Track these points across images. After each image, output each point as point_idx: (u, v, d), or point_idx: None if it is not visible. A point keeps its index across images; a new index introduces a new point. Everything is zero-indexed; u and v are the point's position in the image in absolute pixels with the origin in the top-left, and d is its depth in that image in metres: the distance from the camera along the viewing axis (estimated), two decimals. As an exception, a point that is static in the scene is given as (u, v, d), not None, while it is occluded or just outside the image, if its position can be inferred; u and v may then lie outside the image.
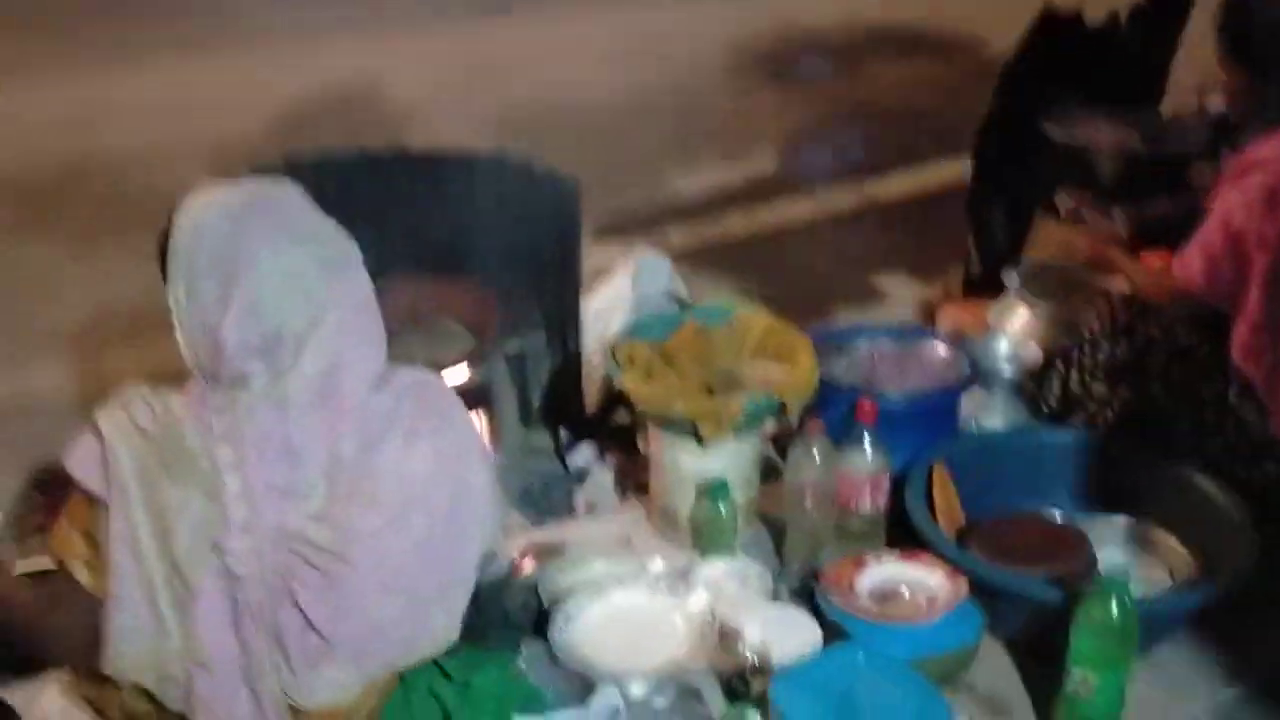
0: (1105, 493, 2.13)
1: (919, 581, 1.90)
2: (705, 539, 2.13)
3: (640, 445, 2.32)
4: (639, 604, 1.93)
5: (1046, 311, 2.50)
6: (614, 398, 2.79)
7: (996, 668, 1.91)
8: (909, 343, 2.35)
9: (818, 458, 2.03)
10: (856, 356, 2.33)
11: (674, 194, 4.35)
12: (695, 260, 3.65)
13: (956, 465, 2.14)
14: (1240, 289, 2.04)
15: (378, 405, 1.56)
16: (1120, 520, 2.08)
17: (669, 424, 2.09)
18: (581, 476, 2.62)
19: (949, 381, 2.19)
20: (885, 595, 1.89)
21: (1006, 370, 2.38)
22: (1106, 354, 2.20)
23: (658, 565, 2.05)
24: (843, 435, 2.06)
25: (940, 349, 2.31)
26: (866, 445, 2.06)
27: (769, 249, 3.94)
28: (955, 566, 1.89)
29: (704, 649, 1.81)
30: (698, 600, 1.88)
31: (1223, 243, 2.03)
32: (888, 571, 1.93)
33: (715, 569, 2.05)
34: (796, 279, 3.67)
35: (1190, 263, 2.09)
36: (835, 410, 2.13)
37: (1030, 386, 2.37)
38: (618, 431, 2.74)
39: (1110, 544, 2.05)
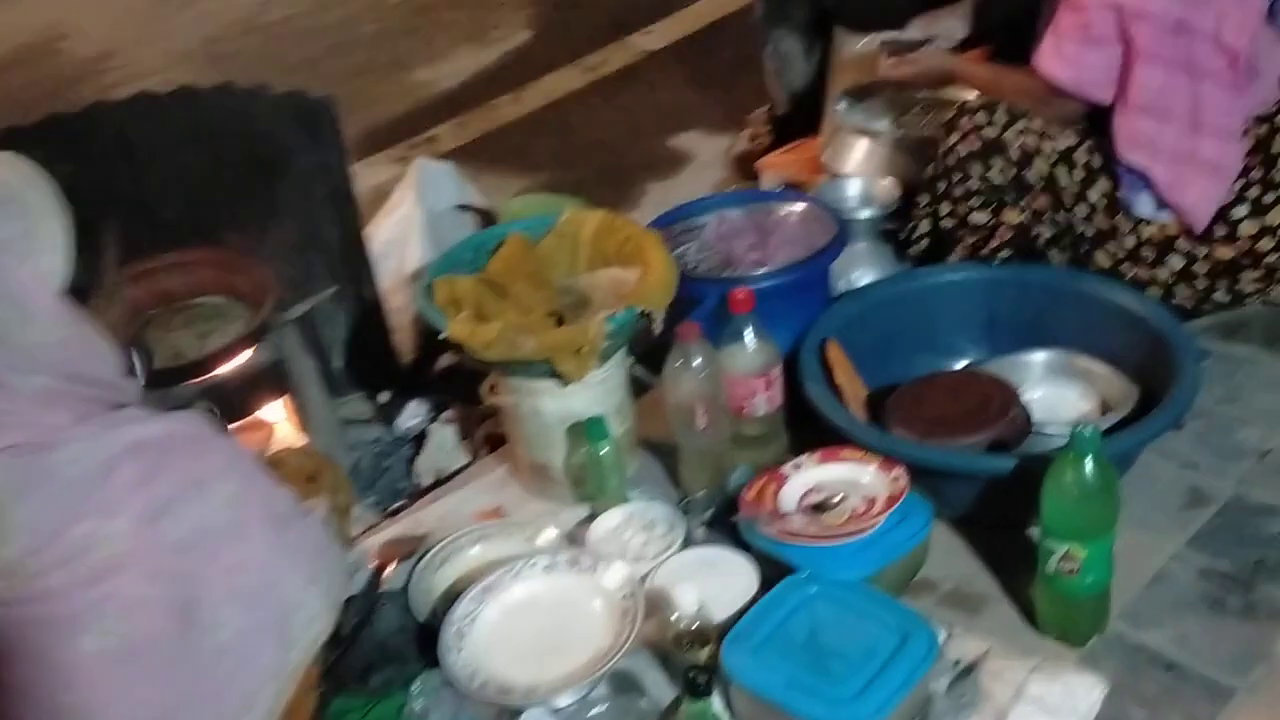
0: (1013, 330, 1.90)
1: (850, 482, 1.63)
2: (590, 489, 1.81)
3: (483, 392, 1.97)
4: (542, 594, 1.60)
5: (890, 140, 2.23)
6: (435, 342, 2.43)
7: (951, 556, 1.68)
8: (759, 208, 2.04)
9: (701, 366, 1.72)
10: (705, 237, 2.02)
11: (428, 92, 3.90)
12: (474, 157, 3.25)
13: (843, 336, 1.87)
14: (1114, 74, 1.81)
15: (70, 470, 1.13)
16: (1037, 357, 1.86)
17: (520, 368, 1.74)
18: (416, 440, 2.26)
19: (817, 243, 1.90)
20: (818, 507, 1.62)
21: (863, 215, 2.11)
22: (978, 176, 1.94)
23: (549, 536, 1.73)
24: (718, 333, 1.76)
25: (796, 208, 2.02)
26: (749, 339, 1.77)
27: (549, 129, 3.56)
28: (885, 455, 1.63)
29: (631, 628, 1.50)
30: (615, 575, 1.57)
31: (1087, 27, 1.78)
32: (811, 478, 1.66)
33: (611, 522, 1.74)
34: (588, 157, 3.32)
35: (1052, 57, 1.84)
36: (703, 307, 1.82)
37: (895, 228, 2.11)
38: (447, 378, 2.38)
39: (1031, 384, 1.83)
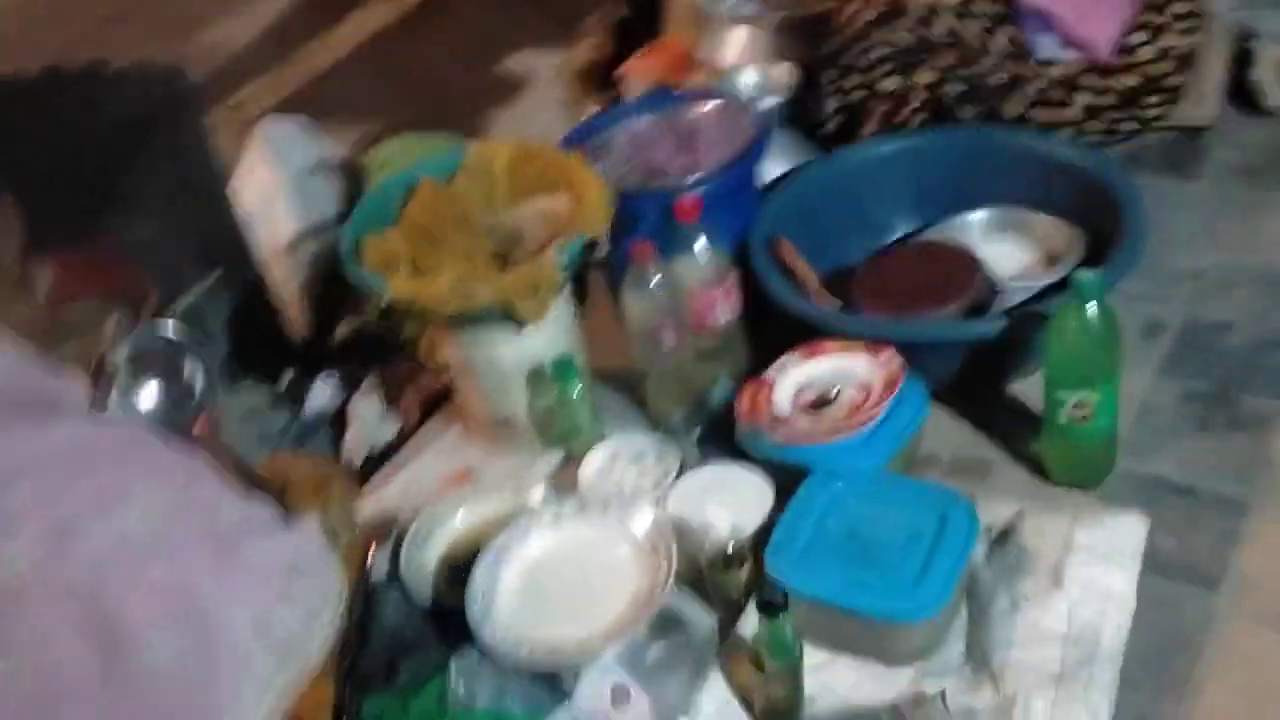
0: (944, 195, 1.89)
1: (841, 373, 1.59)
2: (561, 432, 1.72)
3: (423, 353, 1.85)
4: (559, 547, 1.51)
5: (771, 23, 2.17)
6: (329, 313, 2.27)
7: (943, 429, 1.67)
8: (667, 113, 1.95)
9: (661, 285, 1.64)
10: (617, 153, 1.92)
11: (226, 51, 3.62)
12: (296, 114, 3.04)
13: (780, 229, 1.82)
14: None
15: None
16: (974, 217, 1.85)
17: (471, 320, 1.63)
18: (334, 420, 2.12)
19: (743, 139, 1.83)
20: (816, 405, 1.58)
21: (765, 104, 2.05)
22: (882, 41, 1.90)
23: (538, 490, 1.63)
24: (666, 249, 1.68)
25: (708, 107, 1.93)
26: (700, 249, 1.69)
27: (369, 71, 3.35)
28: (870, 340, 1.60)
29: (669, 563, 1.44)
30: (639, 517, 1.49)
31: None
32: (800, 377, 1.61)
33: (596, 461, 1.66)
34: (419, 94, 3.15)
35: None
36: (644, 224, 1.74)
37: (799, 113, 2.06)
38: (350, 349, 2.24)
39: (972, 246, 1.81)
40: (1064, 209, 1.79)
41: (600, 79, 2.87)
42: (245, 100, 3.33)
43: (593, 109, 2.80)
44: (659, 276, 1.64)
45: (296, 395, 2.18)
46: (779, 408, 1.57)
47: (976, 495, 1.52)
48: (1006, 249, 1.82)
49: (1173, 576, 1.42)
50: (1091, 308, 1.41)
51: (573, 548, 1.50)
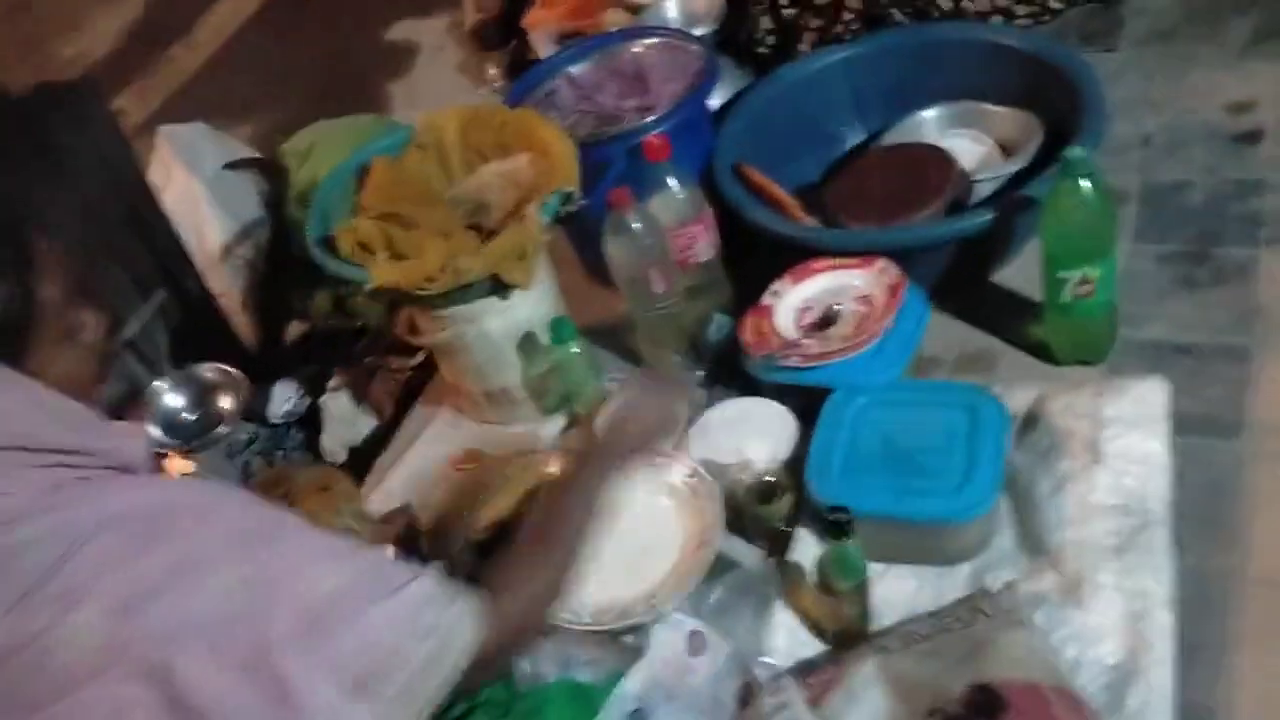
0: (891, 99, 1.89)
1: (838, 289, 1.59)
2: (565, 394, 1.69)
3: (401, 335, 1.79)
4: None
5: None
6: (277, 317, 2.20)
7: (938, 327, 1.67)
8: (605, 56, 1.91)
9: (644, 231, 1.61)
10: (563, 102, 1.87)
11: (85, 64, 3.44)
12: (179, 119, 2.90)
13: (740, 156, 1.80)
14: None
15: (24, 557, 0.89)
16: (927, 115, 1.85)
17: (458, 296, 1.58)
18: (303, 422, 2.06)
19: (692, 72, 1.81)
20: (822, 324, 1.57)
21: (696, 34, 2.02)
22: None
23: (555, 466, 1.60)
24: (639, 192, 1.65)
25: (646, 43, 1.89)
26: (675, 185, 1.67)
27: (244, 64, 3.24)
28: (862, 253, 1.59)
29: (716, 505, 1.42)
30: (677, 467, 1.47)
31: None
32: (797, 299, 1.61)
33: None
34: (307, 79, 3.05)
35: None
36: (612, 170, 1.70)
37: (731, 37, 2.03)
38: (304, 349, 2.17)
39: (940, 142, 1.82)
40: (1014, 96, 1.80)
41: (497, 36, 2.81)
42: (124, 108, 3.20)
43: (492, 70, 2.75)
44: (640, 223, 1.61)
45: (257, 404, 2.11)
46: (785, 332, 1.57)
47: (992, 387, 1.55)
48: (963, 144, 1.83)
49: (1195, 432, 1.45)
50: (1085, 183, 1.42)
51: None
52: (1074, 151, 1.42)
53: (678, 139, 1.68)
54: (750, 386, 1.60)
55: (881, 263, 1.57)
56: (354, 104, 2.71)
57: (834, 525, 1.26)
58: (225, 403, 1.94)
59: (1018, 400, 1.50)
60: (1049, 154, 1.71)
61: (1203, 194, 1.77)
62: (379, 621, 0.92)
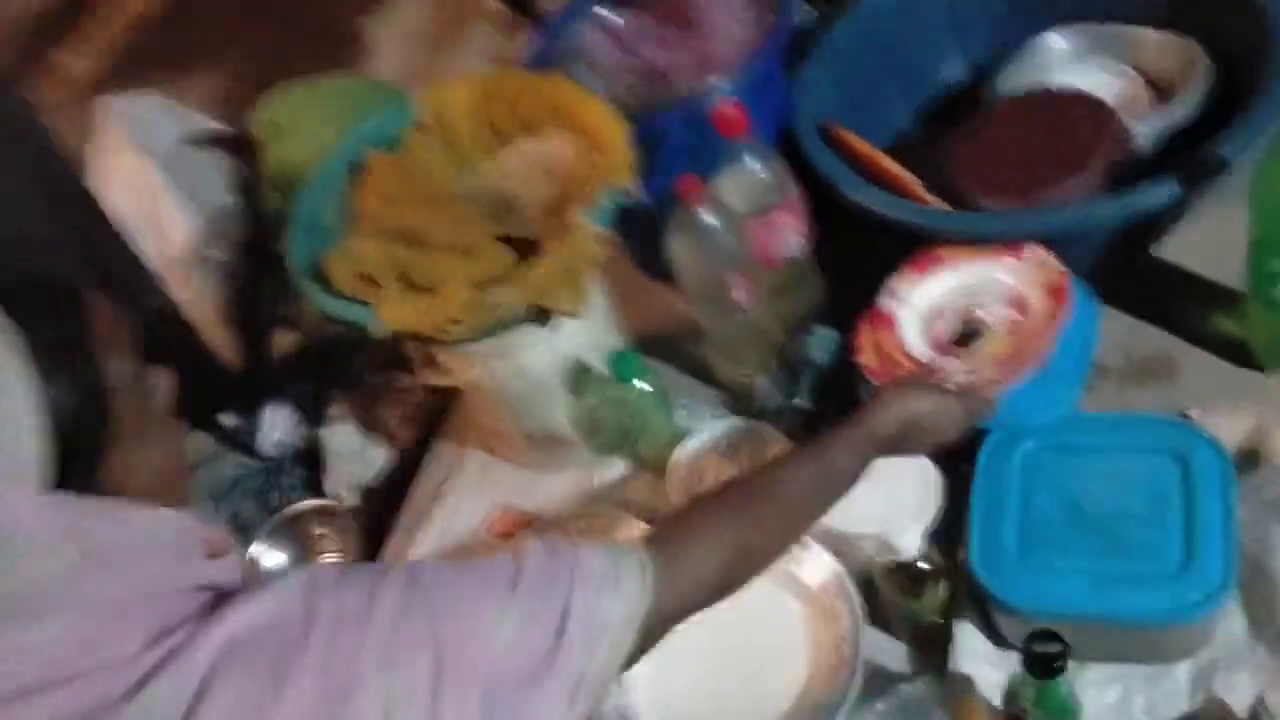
0: (1008, 16, 1.50)
1: (982, 286, 1.23)
2: (628, 431, 1.34)
3: (420, 375, 1.44)
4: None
5: None
6: (261, 327, 1.84)
7: (1106, 327, 1.30)
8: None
9: (721, 227, 1.25)
10: (596, 59, 1.48)
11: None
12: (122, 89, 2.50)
13: (826, 114, 1.43)
14: None
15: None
16: (1054, 42, 1.47)
17: (492, 329, 1.22)
18: (300, 457, 1.73)
19: (758, 10, 1.42)
20: (963, 338, 1.22)
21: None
22: None
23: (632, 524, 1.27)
24: (706, 175, 1.28)
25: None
26: (753, 165, 1.30)
27: (193, 22, 2.81)
28: (1002, 242, 1.23)
29: (849, 618, 1.09)
30: (814, 563, 1.13)
31: None
32: (924, 303, 1.25)
33: (681, 470, 1.29)
34: (259, 29, 2.62)
35: None
36: (668, 149, 1.33)
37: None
38: (295, 367, 1.82)
39: (1059, 79, 1.44)
40: (1170, 16, 1.41)
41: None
42: (64, 62, 2.80)
43: (496, 7, 2.34)
44: (715, 217, 1.25)
45: (244, 436, 1.77)
46: (916, 351, 1.21)
47: (1182, 406, 1.20)
48: (1100, 80, 1.45)
49: None
50: (1322, 148, 1.06)
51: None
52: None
53: (751, 101, 1.30)
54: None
55: (1035, 251, 1.21)
56: (324, 52, 2.32)
57: (1044, 659, 0.92)
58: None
59: (1226, 429, 1.16)
60: (1220, 94, 1.34)
61: None
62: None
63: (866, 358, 1.22)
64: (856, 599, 1.10)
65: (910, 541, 1.05)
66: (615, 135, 1.24)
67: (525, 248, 1.24)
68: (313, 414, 1.73)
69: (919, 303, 1.24)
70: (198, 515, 0.78)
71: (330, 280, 1.20)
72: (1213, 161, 1.19)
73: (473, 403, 1.40)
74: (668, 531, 0.89)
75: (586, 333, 1.31)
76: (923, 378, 1.15)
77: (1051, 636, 0.92)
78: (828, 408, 1.29)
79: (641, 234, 1.40)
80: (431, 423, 1.61)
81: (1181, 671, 1.05)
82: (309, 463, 1.71)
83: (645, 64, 1.43)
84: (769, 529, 0.91)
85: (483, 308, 1.14)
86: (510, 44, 2.13)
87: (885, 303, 1.25)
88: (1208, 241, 1.32)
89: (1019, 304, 1.19)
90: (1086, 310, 1.21)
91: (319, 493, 1.67)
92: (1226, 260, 1.28)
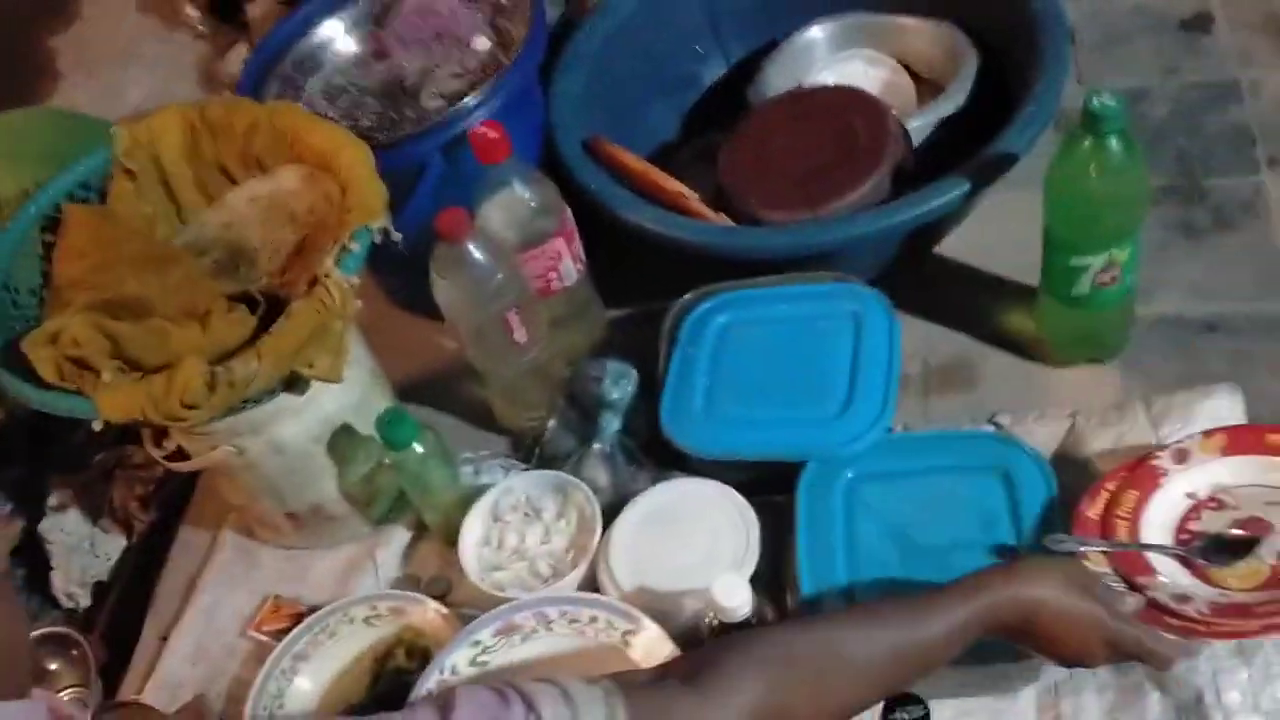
0: (765, 9, 1.43)
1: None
2: (413, 504, 1.20)
3: (150, 455, 1.24)
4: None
5: None
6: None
7: (910, 339, 1.23)
8: (372, 7, 1.35)
9: (491, 264, 1.12)
10: (330, 77, 1.32)
11: None
12: None
13: (595, 124, 1.32)
14: None
15: None
16: (815, 35, 1.41)
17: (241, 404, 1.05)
18: (24, 553, 1.50)
19: (518, 14, 1.28)
20: (1217, 549, 0.97)
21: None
22: None
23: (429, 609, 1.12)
24: (467, 205, 1.15)
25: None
26: (521, 191, 1.17)
27: None
28: (792, 258, 1.16)
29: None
30: (646, 634, 1.00)
31: None
32: (1206, 481, 1.01)
33: (475, 531, 1.16)
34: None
35: None
36: (427, 180, 1.19)
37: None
38: (10, 443, 1.57)
39: (818, 73, 1.39)
40: (931, 5, 1.37)
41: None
42: None
43: (190, 7, 2.12)
44: (484, 254, 1.12)
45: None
46: (1146, 526, 0.98)
47: (989, 412, 1.16)
48: (865, 74, 1.40)
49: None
50: (1115, 143, 1.02)
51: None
52: (1101, 101, 1.00)
53: (510, 120, 1.18)
54: (668, 459, 1.15)
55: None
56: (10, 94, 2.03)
57: (902, 724, 0.84)
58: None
59: (1040, 437, 1.12)
60: (984, 80, 1.31)
61: (1167, 104, 1.41)
62: None
63: (1094, 508, 1.00)
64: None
65: (740, 600, 0.95)
66: (361, 168, 1.09)
67: (268, 307, 1.07)
68: (27, 503, 1.49)
69: (1204, 476, 1.00)
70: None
71: (32, 366, 1.00)
72: (1002, 158, 1.15)
73: (221, 485, 1.22)
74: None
75: (349, 394, 1.15)
76: (1090, 575, 0.89)
77: (913, 700, 0.84)
78: (633, 454, 1.17)
79: (400, 267, 1.26)
80: (175, 503, 1.41)
81: (1026, 699, 1.00)
82: (29, 562, 1.47)
83: (389, 84, 1.28)
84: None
85: (223, 384, 0.96)
86: (220, 63, 1.91)
87: (1166, 460, 1.01)
88: (989, 237, 1.29)
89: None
90: (883, 324, 1.14)
91: (45, 596, 1.44)
92: (1010, 254, 1.25)
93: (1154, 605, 0.89)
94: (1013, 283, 1.26)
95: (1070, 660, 0.85)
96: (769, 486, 1.08)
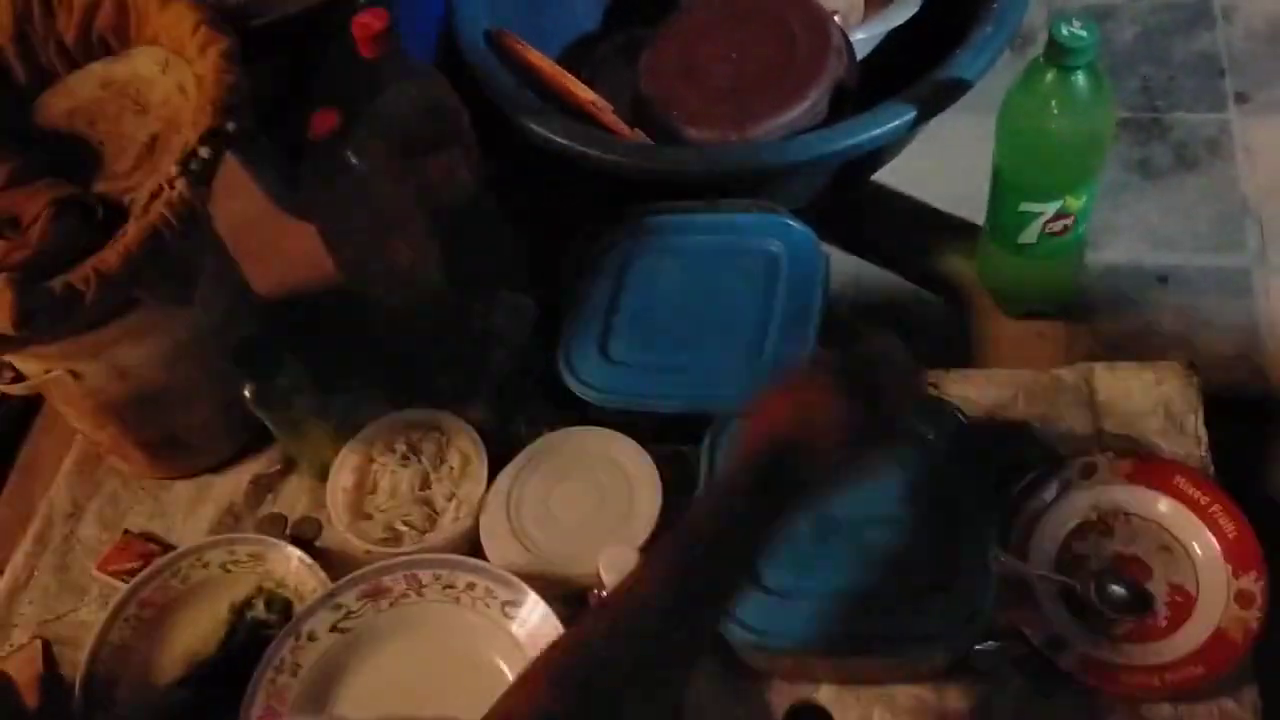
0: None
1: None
2: (280, 439, 1.07)
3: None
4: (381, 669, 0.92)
5: None
6: None
7: (838, 276, 1.12)
8: None
9: (371, 171, 0.98)
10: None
11: None
12: None
13: (500, 14, 1.17)
14: None
15: None
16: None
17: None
18: None
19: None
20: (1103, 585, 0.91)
21: None
22: None
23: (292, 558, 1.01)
24: (349, 106, 1.01)
25: None
26: (409, 90, 1.03)
27: None
28: (722, 180, 1.03)
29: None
30: (529, 608, 0.90)
31: None
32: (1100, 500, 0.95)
33: (345, 478, 1.04)
34: None
35: None
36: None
37: None
38: None
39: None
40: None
41: None
42: None
43: None
44: (362, 158, 0.97)
45: None
46: (1036, 544, 0.93)
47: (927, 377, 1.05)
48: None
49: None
50: (1081, 78, 0.90)
51: (398, 659, 0.91)
52: (1070, 29, 0.88)
53: (403, 8, 1.03)
54: (567, 404, 1.03)
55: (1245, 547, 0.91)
56: None
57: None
58: None
59: (984, 404, 1.01)
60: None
61: (1135, 25, 1.30)
62: None
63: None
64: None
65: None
66: (218, 57, 0.94)
67: (109, 215, 0.93)
68: None
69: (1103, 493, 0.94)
70: None
71: None
72: (953, 84, 1.02)
73: (65, 408, 1.08)
74: None
75: (206, 315, 1.01)
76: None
77: (816, 710, 0.75)
78: (522, 393, 1.06)
79: (281, 163, 1.12)
80: (14, 432, 1.26)
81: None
82: None
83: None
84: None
85: (47, 303, 0.83)
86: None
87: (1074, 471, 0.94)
88: (932, 165, 1.17)
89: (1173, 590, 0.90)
90: (816, 265, 1.03)
91: None
92: (955, 185, 1.14)
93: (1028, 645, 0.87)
94: (955, 219, 1.16)
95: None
96: (675, 436, 0.98)
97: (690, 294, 1.03)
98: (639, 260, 1.05)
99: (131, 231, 0.86)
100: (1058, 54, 0.89)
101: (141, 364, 0.99)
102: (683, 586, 0.66)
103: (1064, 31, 0.88)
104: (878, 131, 1.00)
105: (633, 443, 0.98)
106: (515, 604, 0.90)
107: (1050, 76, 0.90)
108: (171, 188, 0.87)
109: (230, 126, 0.91)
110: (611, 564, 0.84)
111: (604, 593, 0.85)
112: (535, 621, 0.89)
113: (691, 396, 0.97)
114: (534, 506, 0.97)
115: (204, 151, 0.89)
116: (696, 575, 0.66)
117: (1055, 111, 0.92)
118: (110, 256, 0.85)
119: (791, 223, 1.05)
